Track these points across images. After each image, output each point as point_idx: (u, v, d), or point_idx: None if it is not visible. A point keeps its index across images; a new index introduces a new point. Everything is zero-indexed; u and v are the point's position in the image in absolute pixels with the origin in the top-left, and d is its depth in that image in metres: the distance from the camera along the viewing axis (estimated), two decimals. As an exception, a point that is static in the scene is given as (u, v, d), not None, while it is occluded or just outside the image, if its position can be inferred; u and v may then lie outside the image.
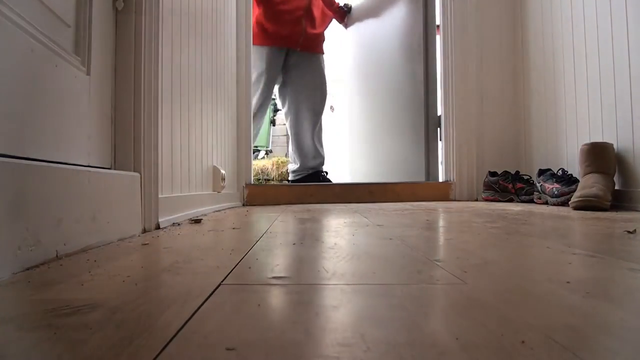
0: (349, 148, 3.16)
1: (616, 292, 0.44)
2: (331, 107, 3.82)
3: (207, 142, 1.61)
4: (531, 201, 2.11)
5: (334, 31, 3.04)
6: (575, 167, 1.83)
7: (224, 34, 1.94)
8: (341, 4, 3.03)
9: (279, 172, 3.72)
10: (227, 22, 2.02)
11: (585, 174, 1.65)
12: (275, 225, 1.10)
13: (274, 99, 5.19)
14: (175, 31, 1.23)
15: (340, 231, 0.98)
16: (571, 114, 1.99)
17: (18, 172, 0.54)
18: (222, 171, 1.76)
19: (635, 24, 1.52)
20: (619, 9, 1.60)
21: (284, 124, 5.34)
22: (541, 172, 2.05)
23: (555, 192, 1.87)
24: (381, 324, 0.33)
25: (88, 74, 0.82)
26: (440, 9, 2.48)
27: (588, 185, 1.58)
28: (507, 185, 2.24)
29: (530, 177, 2.20)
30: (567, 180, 1.85)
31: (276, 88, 2.89)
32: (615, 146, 1.64)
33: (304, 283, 0.47)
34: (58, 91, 0.71)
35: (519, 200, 2.19)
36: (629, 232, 0.86)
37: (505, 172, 2.28)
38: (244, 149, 2.34)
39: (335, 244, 0.78)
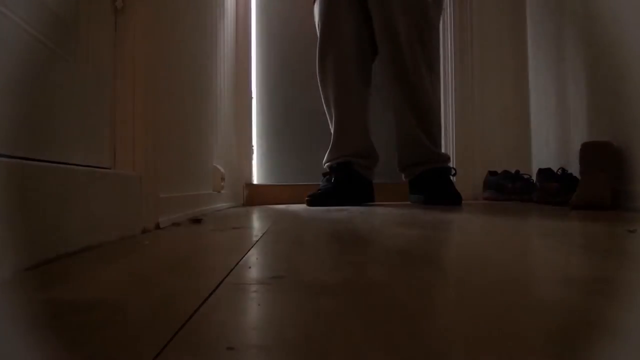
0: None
1: (617, 292, 0.44)
2: None
3: (207, 141, 1.61)
4: (531, 200, 2.11)
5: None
6: (575, 166, 1.83)
7: (223, 31, 1.94)
8: None
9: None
10: (227, 20, 2.02)
11: (585, 173, 1.65)
12: (276, 225, 1.10)
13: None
14: (175, 31, 1.23)
15: (340, 230, 0.98)
16: (571, 113, 1.99)
17: (18, 172, 0.54)
18: (222, 171, 1.76)
19: (635, 20, 1.52)
20: (618, 5, 1.60)
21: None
22: (541, 171, 2.05)
23: (555, 191, 1.87)
24: (381, 324, 0.33)
25: (87, 73, 0.82)
26: (440, 8, 2.48)
27: (588, 184, 1.58)
28: (507, 184, 2.23)
29: (530, 177, 2.20)
30: (567, 179, 1.85)
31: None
32: (615, 145, 1.64)
33: (304, 283, 0.47)
34: (56, 90, 0.71)
35: (518, 199, 2.19)
36: (629, 231, 0.86)
37: (505, 172, 2.28)
38: (244, 149, 2.34)
39: (335, 243, 0.78)
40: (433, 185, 1.96)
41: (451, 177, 2.03)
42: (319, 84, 2.09)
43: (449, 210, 1.60)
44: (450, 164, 2.08)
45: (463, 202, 1.97)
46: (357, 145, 2.04)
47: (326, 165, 2.10)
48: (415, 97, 1.94)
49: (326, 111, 2.11)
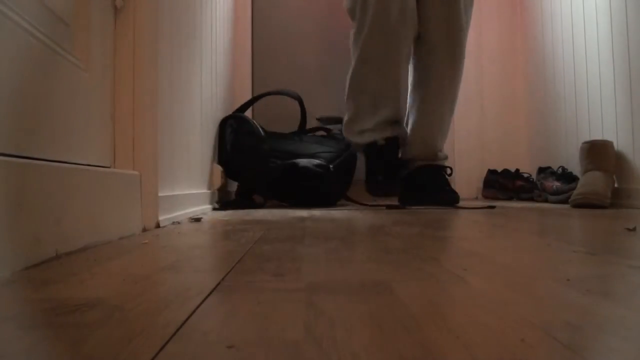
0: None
1: (617, 290, 0.44)
2: None
3: (207, 140, 1.61)
4: (531, 199, 2.11)
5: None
6: (575, 165, 1.83)
7: (223, 30, 1.94)
8: None
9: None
10: (226, 19, 2.02)
11: (585, 171, 1.65)
12: (275, 224, 1.10)
13: None
14: (175, 30, 1.23)
15: (340, 229, 0.98)
16: (571, 112, 1.99)
17: (17, 171, 0.54)
18: (222, 169, 1.76)
19: (635, 19, 1.51)
20: (618, 5, 1.60)
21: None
22: (541, 170, 2.05)
23: (555, 190, 1.87)
24: (381, 324, 0.33)
25: (87, 72, 0.82)
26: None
27: (588, 183, 1.58)
28: (507, 183, 2.24)
29: (530, 175, 2.20)
30: (567, 178, 1.85)
31: None
32: (615, 144, 1.64)
33: (304, 281, 0.47)
34: (57, 90, 0.71)
35: (519, 198, 2.19)
36: (629, 229, 0.86)
37: (505, 170, 2.28)
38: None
39: (334, 242, 0.78)
40: (429, 183, 1.80)
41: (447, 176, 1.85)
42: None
43: (448, 208, 1.60)
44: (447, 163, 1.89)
45: (463, 200, 1.95)
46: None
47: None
48: (454, 85, 1.84)
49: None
